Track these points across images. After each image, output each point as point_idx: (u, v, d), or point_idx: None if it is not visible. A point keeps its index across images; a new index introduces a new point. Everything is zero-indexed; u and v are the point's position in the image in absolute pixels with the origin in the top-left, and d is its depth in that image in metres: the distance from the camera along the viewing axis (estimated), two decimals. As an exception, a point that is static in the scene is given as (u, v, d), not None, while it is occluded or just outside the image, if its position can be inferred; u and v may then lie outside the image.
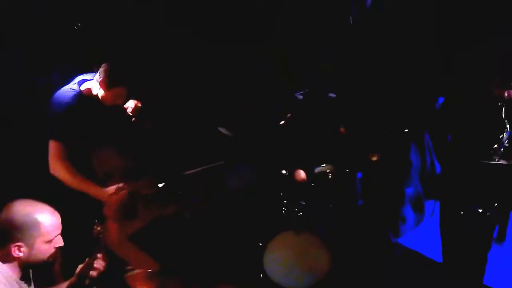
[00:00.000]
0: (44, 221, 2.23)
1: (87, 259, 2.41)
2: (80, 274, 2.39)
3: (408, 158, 3.76)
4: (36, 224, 2.21)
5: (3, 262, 2.18)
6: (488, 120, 2.84)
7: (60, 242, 2.31)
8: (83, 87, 3.02)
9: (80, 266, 2.41)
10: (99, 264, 2.42)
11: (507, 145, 2.78)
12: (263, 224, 3.53)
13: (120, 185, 2.93)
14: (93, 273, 2.38)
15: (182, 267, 2.98)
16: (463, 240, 2.98)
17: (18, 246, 2.18)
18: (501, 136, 2.77)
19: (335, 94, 3.77)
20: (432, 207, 3.77)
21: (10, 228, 2.17)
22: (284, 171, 3.56)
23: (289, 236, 3.39)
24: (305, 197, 3.50)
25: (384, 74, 3.97)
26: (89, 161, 3.02)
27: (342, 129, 3.69)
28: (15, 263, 2.20)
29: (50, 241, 2.26)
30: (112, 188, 2.92)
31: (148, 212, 3.11)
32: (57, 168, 2.89)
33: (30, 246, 2.20)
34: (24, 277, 2.25)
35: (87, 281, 2.38)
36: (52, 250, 2.28)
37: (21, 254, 2.19)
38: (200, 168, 2.98)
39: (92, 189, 2.91)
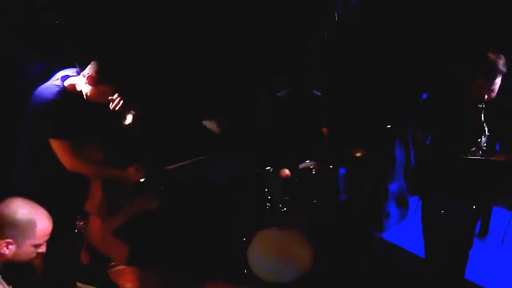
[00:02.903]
0: (40, 225, 2.20)
1: None
2: None
3: (393, 154, 3.78)
4: (32, 226, 2.17)
5: None
6: (467, 122, 2.83)
7: (43, 249, 2.28)
8: (66, 83, 2.99)
9: None
10: None
11: (485, 148, 2.78)
12: (247, 220, 3.54)
13: (138, 164, 3.03)
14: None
15: (165, 262, 2.97)
16: (445, 236, 3.00)
17: (7, 243, 2.13)
18: (479, 140, 2.77)
19: (319, 91, 3.78)
20: (416, 202, 3.79)
21: (4, 224, 2.12)
22: (268, 167, 3.57)
23: (273, 231, 3.41)
24: (289, 193, 3.51)
25: (368, 71, 4.00)
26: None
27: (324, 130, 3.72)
28: None
29: (37, 246, 2.23)
30: (132, 168, 3.03)
31: (130, 207, 3.10)
32: (76, 165, 2.89)
33: (18, 246, 2.15)
34: (1, 272, 2.23)
35: None
36: (34, 254, 2.25)
37: (7, 252, 2.15)
38: (182, 163, 2.97)
39: (116, 173, 3.03)
